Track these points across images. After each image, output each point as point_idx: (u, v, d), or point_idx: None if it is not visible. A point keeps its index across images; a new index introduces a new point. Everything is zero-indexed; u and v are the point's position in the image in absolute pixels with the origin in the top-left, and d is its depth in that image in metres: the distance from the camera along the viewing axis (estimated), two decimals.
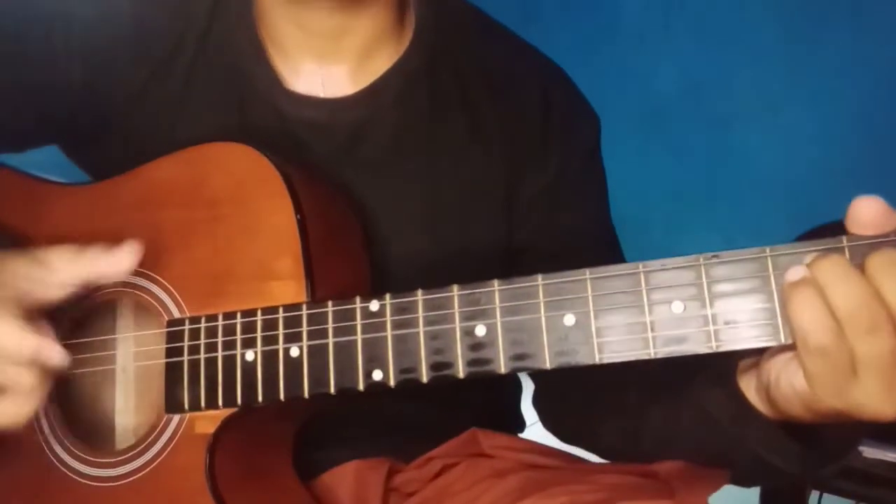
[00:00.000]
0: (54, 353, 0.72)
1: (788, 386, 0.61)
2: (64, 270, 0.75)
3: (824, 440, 0.67)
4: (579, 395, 0.90)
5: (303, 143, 0.90)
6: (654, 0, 2.34)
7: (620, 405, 0.82)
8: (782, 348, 0.62)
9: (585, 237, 0.97)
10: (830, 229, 0.59)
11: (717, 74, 2.25)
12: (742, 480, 0.78)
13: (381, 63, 0.92)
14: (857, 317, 0.54)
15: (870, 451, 1.45)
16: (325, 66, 0.91)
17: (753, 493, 1.55)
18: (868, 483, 1.45)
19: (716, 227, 2.25)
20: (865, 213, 0.57)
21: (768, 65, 2.19)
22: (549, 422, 0.98)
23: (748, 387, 0.67)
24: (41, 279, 0.74)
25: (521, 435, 1.08)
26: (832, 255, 0.56)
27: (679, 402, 0.75)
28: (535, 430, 1.01)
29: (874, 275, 0.54)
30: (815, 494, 1.57)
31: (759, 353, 0.65)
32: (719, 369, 0.69)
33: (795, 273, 0.57)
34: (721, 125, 2.26)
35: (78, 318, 0.84)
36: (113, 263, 0.76)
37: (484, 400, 0.98)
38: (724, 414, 0.69)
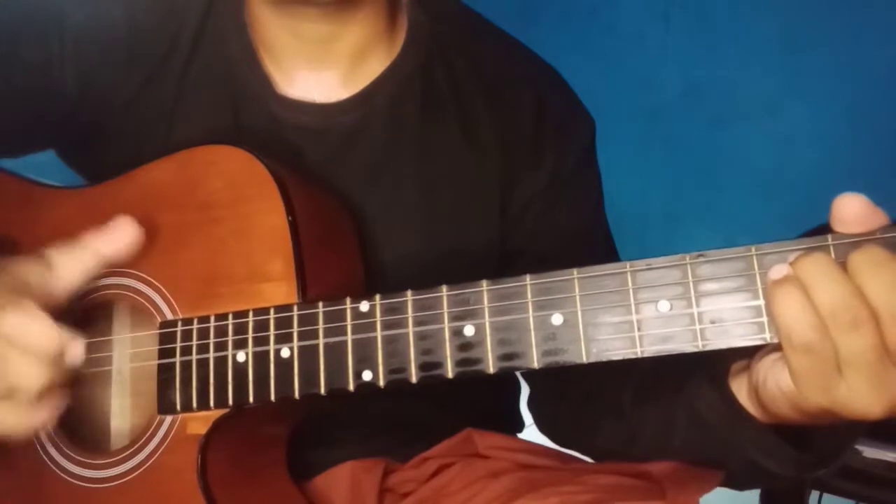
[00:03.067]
0: (77, 350, 0.68)
1: (775, 386, 0.61)
2: (65, 266, 0.73)
3: (817, 443, 0.67)
4: (574, 399, 0.90)
5: (296, 148, 0.91)
6: (654, 1, 2.35)
7: (615, 408, 0.82)
8: (772, 350, 0.62)
9: (580, 239, 0.96)
10: (830, 229, 0.58)
11: (717, 74, 2.25)
12: (736, 484, 0.78)
13: (374, 67, 0.93)
14: (840, 314, 0.54)
15: (870, 451, 1.45)
16: (318, 71, 0.92)
17: (753, 493, 1.55)
18: (868, 483, 1.45)
19: (716, 227, 2.25)
20: (848, 210, 0.57)
21: (768, 65, 2.19)
22: (544, 425, 0.98)
23: (740, 389, 0.67)
24: (46, 278, 0.72)
25: (519, 435, 1.08)
26: (815, 252, 0.56)
27: (673, 405, 0.75)
28: (534, 431, 1.01)
29: (856, 272, 0.54)
30: (815, 494, 1.57)
31: (751, 356, 0.65)
32: (712, 372, 0.69)
33: (779, 271, 0.57)
34: (721, 125, 2.26)
35: (75, 319, 0.84)
36: (110, 242, 0.74)
37: (481, 400, 0.98)
38: (716, 417, 0.69)
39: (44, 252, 0.73)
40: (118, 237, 0.75)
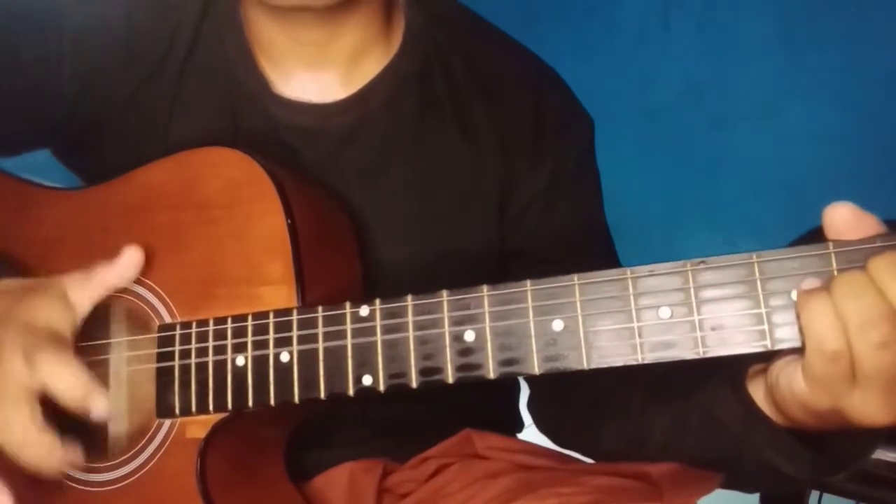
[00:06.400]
0: (101, 406, 0.73)
1: (786, 387, 0.61)
2: (82, 303, 0.76)
3: (835, 447, 0.66)
4: (579, 403, 0.90)
5: (293, 149, 0.90)
6: (653, 1, 2.35)
7: (624, 408, 0.82)
8: (791, 353, 0.61)
9: (580, 240, 0.96)
10: (823, 235, 0.59)
11: (717, 75, 2.25)
12: (748, 486, 0.78)
13: (371, 68, 0.92)
14: (870, 331, 0.55)
15: None
16: (315, 72, 0.91)
17: (753, 494, 1.55)
18: (868, 483, 1.44)
19: (716, 228, 2.25)
20: (839, 219, 0.58)
21: (768, 65, 2.19)
22: (546, 426, 0.98)
23: (756, 391, 0.67)
24: (68, 316, 0.75)
25: (519, 435, 1.08)
26: (851, 272, 0.56)
27: (686, 406, 0.75)
28: (534, 431, 1.01)
29: (879, 276, 0.55)
30: (815, 494, 1.56)
31: (768, 359, 0.64)
32: (729, 374, 0.69)
33: (812, 282, 0.57)
34: (721, 125, 2.26)
35: None
36: (120, 274, 0.78)
37: (481, 400, 0.98)
38: (733, 418, 0.69)
39: (55, 285, 0.76)
40: (127, 268, 0.78)
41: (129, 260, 0.78)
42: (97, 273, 0.77)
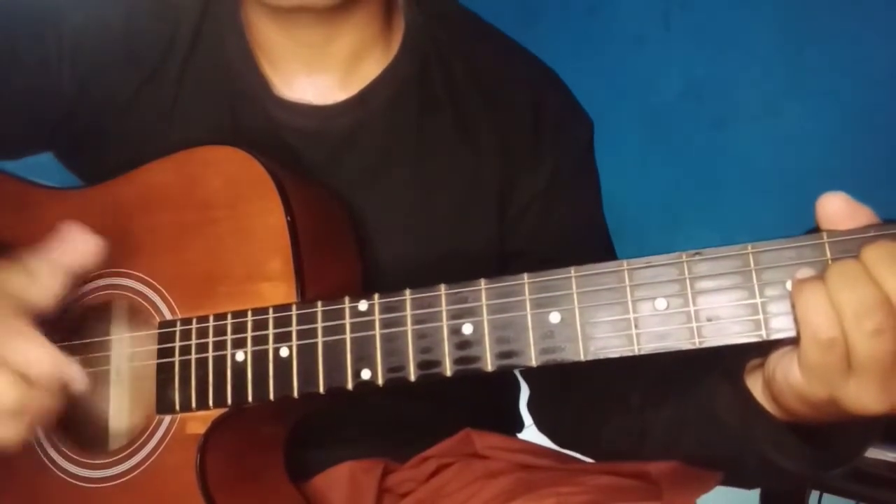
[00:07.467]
0: (77, 376, 0.68)
1: (783, 378, 0.61)
2: (45, 274, 0.70)
3: (833, 442, 0.67)
4: (579, 398, 0.90)
5: (293, 150, 0.91)
6: (654, 2, 2.35)
7: (623, 406, 0.82)
8: (787, 345, 0.62)
9: (579, 240, 0.96)
10: (818, 229, 0.59)
11: (717, 76, 2.25)
12: (748, 482, 0.78)
13: (371, 69, 0.93)
14: (864, 319, 0.55)
15: (870, 451, 1.44)
16: (314, 73, 0.92)
17: (753, 493, 1.55)
18: (868, 483, 1.44)
19: (716, 227, 2.25)
20: (833, 209, 0.58)
21: (768, 65, 2.19)
22: (546, 426, 0.98)
23: (755, 385, 0.67)
24: (28, 286, 0.69)
25: (519, 435, 1.08)
26: (845, 261, 0.56)
27: (685, 402, 0.75)
28: (535, 431, 1.01)
29: (873, 265, 0.55)
30: (815, 494, 1.56)
31: (766, 352, 0.65)
32: (727, 369, 0.69)
33: (807, 272, 0.58)
34: (721, 125, 2.26)
35: (73, 320, 0.84)
36: (74, 249, 0.71)
37: (481, 399, 0.98)
38: (731, 413, 0.69)
39: (21, 258, 0.71)
40: (79, 245, 0.71)
41: (81, 237, 0.71)
42: (52, 245, 0.71)
